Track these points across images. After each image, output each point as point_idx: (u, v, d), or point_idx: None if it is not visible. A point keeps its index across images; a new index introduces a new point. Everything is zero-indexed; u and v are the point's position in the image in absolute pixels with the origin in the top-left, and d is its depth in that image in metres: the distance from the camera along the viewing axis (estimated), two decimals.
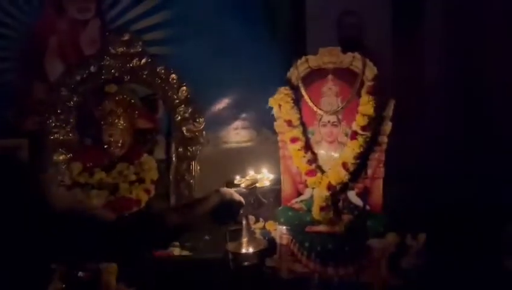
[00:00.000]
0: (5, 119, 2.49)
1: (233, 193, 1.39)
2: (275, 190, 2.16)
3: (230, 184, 1.61)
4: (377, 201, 1.93)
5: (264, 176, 1.64)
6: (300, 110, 2.00)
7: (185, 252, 2.05)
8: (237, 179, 1.62)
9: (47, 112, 2.29)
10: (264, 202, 1.85)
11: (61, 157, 2.29)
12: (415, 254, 1.80)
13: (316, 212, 1.94)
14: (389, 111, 1.89)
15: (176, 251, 2.03)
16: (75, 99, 2.30)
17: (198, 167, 2.34)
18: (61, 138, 2.29)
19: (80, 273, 1.71)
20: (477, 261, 1.77)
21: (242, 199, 1.42)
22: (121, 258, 1.50)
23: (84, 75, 2.29)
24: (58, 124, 2.29)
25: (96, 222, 1.08)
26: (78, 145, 2.31)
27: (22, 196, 0.98)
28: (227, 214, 1.37)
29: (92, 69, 2.29)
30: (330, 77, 1.96)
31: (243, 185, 1.59)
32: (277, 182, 2.08)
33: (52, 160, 2.27)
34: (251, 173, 1.64)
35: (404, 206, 1.94)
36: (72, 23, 2.53)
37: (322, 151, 2.00)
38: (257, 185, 1.60)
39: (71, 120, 2.30)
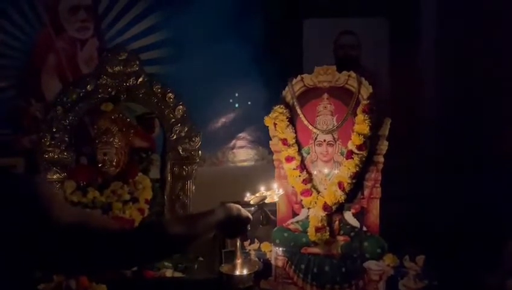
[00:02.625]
0: (1, 137, 2.48)
1: (240, 208, 1.35)
2: (271, 210, 2.14)
3: (238, 203, 1.60)
4: (373, 222, 1.89)
5: (274, 192, 1.64)
6: (295, 129, 1.98)
7: (178, 274, 2.00)
8: (247, 196, 1.62)
9: (42, 131, 2.29)
10: (273, 219, 1.86)
11: (55, 176, 2.27)
12: (414, 277, 1.75)
13: (311, 233, 1.89)
14: (385, 130, 1.87)
15: (169, 273, 1.98)
16: (70, 118, 2.29)
17: (193, 187, 2.32)
18: (56, 156, 2.28)
19: None
20: (478, 282, 1.72)
21: (249, 215, 1.39)
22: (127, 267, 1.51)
23: (81, 94, 2.29)
24: (53, 142, 2.27)
25: (105, 233, 1.04)
26: (73, 164, 2.29)
27: (29, 210, 0.94)
28: (233, 229, 1.35)
29: (89, 87, 2.29)
30: (325, 95, 1.95)
31: (251, 202, 1.59)
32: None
33: (46, 179, 2.25)
34: (261, 189, 1.64)
35: (402, 227, 1.90)
36: (70, 42, 2.56)
37: (317, 171, 1.97)
38: (266, 201, 1.60)
39: (66, 139, 2.29)
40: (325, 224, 1.88)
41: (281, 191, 1.68)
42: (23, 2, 2.50)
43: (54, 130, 2.27)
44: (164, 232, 1.12)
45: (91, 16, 2.55)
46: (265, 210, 1.65)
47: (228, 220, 1.28)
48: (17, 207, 0.91)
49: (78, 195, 2.15)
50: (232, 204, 1.34)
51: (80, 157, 2.34)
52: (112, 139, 2.21)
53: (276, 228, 2.01)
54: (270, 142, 2.04)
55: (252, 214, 1.44)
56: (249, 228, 1.44)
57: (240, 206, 1.37)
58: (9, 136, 2.51)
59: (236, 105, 2.47)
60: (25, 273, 0.96)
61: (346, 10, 2.53)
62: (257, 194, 1.62)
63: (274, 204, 1.82)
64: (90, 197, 2.15)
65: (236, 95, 2.45)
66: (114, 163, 2.21)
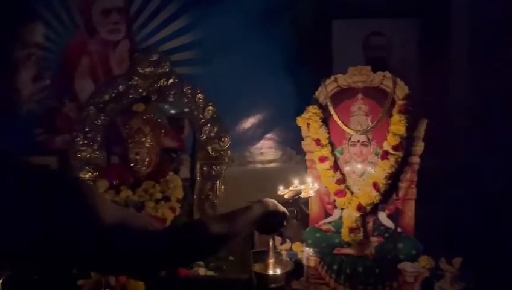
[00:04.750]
0: (36, 137, 2.54)
1: (277, 204, 1.33)
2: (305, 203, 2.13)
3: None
4: (408, 223, 1.88)
5: (309, 186, 1.58)
6: (328, 130, 1.98)
7: (210, 272, 2.01)
8: (280, 189, 1.57)
9: (75, 131, 2.33)
10: (308, 213, 1.82)
11: (87, 175, 2.30)
12: (451, 279, 1.73)
13: (345, 233, 1.89)
14: (421, 131, 1.86)
15: (201, 271, 2.00)
16: (102, 118, 2.33)
17: (222, 187, 2.33)
18: (88, 156, 2.31)
19: None
20: None
21: (286, 210, 1.37)
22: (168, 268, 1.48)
23: (113, 94, 2.32)
24: (85, 142, 2.31)
25: (148, 233, 1.02)
26: (104, 163, 2.33)
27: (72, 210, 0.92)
28: (271, 224, 1.33)
29: (121, 88, 2.32)
30: (360, 96, 1.95)
31: (286, 196, 1.54)
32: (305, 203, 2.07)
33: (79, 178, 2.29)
34: (295, 182, 1.59)
35: (437, 229, 1.88)
36: (103, 44, 2.60)
37: (352, 172, 1.96)
38: (301, 195, 1.55)
39: (98, 138, 2.32)
40: (359, 225, 1.88)
41: (316, 186, 1.62)
42: (57, 4, 2.55)
43: (87, 129, 2.31)
44: (205, 231, 1.11)
45: (123, 18, 2.58)
46: (300, 205, 1.61)
47: (265, 216, 1.27)
48: (60, 205, 0.90)
49: (111, 194, 2.18)
50: (268, 199, 1.33)
51: (111, 157, 2.38)
52: (143, 139, 2.24)
53: (308, 229, 2.01)
54: (303, 142, 2.05)
55: (287, 209, 1.40)
56: (285, 223, 1.41)
57: (276, 202, 1.34)
58: (43, 135, 2.55)
59: (266, 105, 2.47)
60: (66, 270, 0.97)
61: (375, 11, 2.52)
62: (291, 188, 1.56)
63: (306, 199, 1.75)
64: (123, 196, 2.17)
65: (266, 95, 2.45)
66: (146, 162, 2.23)
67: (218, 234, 1.14)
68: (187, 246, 1.08)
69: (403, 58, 2.51)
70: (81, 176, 2.29)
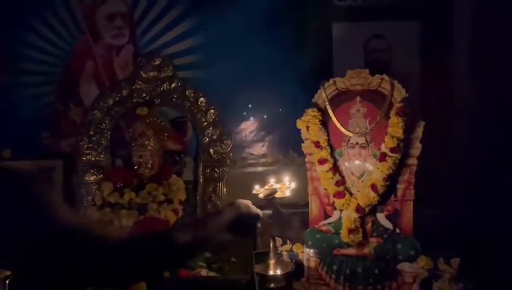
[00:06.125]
0: (42, 140, 2.59)
1: (250, 206, 1.31)
2: (303, 212, 2.16)
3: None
4: (407, 224, 1.90)
5: (285, 185, 1.53)
6: (328, 132, 2.00)
7: (212, 273, 2.04)
8: (256, 188, 1.54)
9: (80, 134, 2.38)
10: (283, 213, 1.70)
11: (92, 178, 2.35)
12: (449, 279, 1.75)
13: (344, 234, 1.91)
14: (419, 133, 1.88)
15: (203, 272, 2.03)
16: (107, 121, 2.37)
17: (224, 189, 2.36)
18: (93, 159, 2.36)
19: None
20: None
21: (259, 211, 1.34)
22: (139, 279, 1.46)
23: (117, 98, 2.37)
24: (90, 145, 2.36)
25: (112, 243, 1.02)
26: (109, 166, 2.37)
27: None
28: (244, 227, 1.29)
29: (124, 92, 2.37)
30: (358, 98, 1.97)
31: (260, 196, 1.50)
32: (305, 204, 2.09)
33: (83, 180, 2.34)
34: (271, 181, 1.55)
35: (435, 229, 1.90)
36: (107, 49, 2.64)
37: (350, 173, 1.99)
38: (276, 195, 1.50)
39: (103, 142, 2.37)
40: (358, 226, 1.90)
41: (293, 185, 1.56)
42: (62, 10, 2.61)
43: (92, 133, 2.36)
44: (173, 240, 1.10)
45: (127, 23, 2.63)
46: (275, 204, 1.53)
47: (238, 219, 1.24)
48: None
49: (115, 196, 2.22)
50: (240, 201, 1.30)
51: (115, 160, 2.42)
52: (147, 142, 2.28)
53: (308, 230, 2.03)
54: (303, 144, 2.07)
55: (262, 209, 1.36)
56: (258, 225, 1.38)
57: (249, 203, 1.32)
58: (49, 139, 2.60)
59: (267, 108, 2.50)
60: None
61: (376, 13, 2.54)
62: (266, 187, 1.53)
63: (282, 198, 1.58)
64: (126, 198, 2.21)
65: (267, 98, 2.48)
66: (149, 165, 2.28)
67: (187, 242, 1.12)
68: (154, 256, 1.08)
69: (404, 61, 2.52)
70: (86, 178, 2.34)
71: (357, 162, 1.96)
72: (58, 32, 2.61)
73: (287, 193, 1.53)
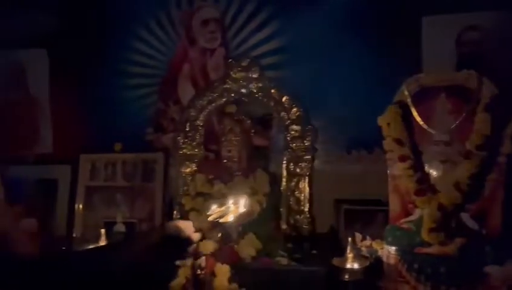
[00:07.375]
0: (146, 136, 2.91)
1: (181, 229, 1.33)
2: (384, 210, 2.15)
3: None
4: (495, 224, 1.81)
5: (237, 209, 1.54)
6: (409, 129, 1.98)
7: (292, 263, 2.14)
8: (212, 209, 1.56)
9: (178, 130, 2.65)
10: (233, 237, 1.88)
11: (187, 170, 2.60)
12: None
13: (425, 233, 1.88)
14: (509, 130, 1.77)
15: (284, 261, 2.14)
16: (201, 118, 2.61)
17: (307, 184, 2.44)
18: (189, 152, 2.61)
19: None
20: None
21: (191, 235, 1.36)
22: None
23: (210, 98, 2.60)
24: (186, 140, 2.61)
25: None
26: (202, 160, 2.60)
27: None
28: (173, 249, 1.33)
29: (216, 92, 2.59)
30: (443, 94, 1.92)
31: (209, 219, 1.52)
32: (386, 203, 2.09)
33: (180, 172, 2.60)
34: (229, 203, 1.56)
35: None
36: (201, 52, 2.89)
37: (433, 171, 1.94)
38: (221, 220, 1.51)
39: (197, 137, 2.61)
40: (440, 225, 1.85)
41: (242, 210, 1.55)
42: (164, 18, 2.91)
43: (187, 129, 2.61)
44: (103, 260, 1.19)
45: (219, 27, 2.85)
46: (224, 228, 1.57)
47: (165, 241, 1.27)
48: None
49: (207, 187, 2.44)
50: (172, 223, 1.35)
51: (208, 154, 2.65)
52: (235, 137, 2.46)
53: (388, 226, 2.03)
54: (384, 141, 2.07)
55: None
56: (189, 249, 1.44)
57: (182, 226, 1.34)
58: (152, 134, 2.93)
59: (350, 105, 2.52)
60: None
61: (468, 4, 2.40)
62: (218, 209, 1.54)
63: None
64: (216, 189, 2.41)
65: (351, 96, 2.50)
66: (236, 159, 2.45)
67: (118, 262, 1.19)
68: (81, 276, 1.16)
69: (501, 54, 2.36)
70: (182, 170, 2.59)
71: (440, 159, 1.90)
72: (160, 38, 2.93)
73: (231, 218, 1.52)
